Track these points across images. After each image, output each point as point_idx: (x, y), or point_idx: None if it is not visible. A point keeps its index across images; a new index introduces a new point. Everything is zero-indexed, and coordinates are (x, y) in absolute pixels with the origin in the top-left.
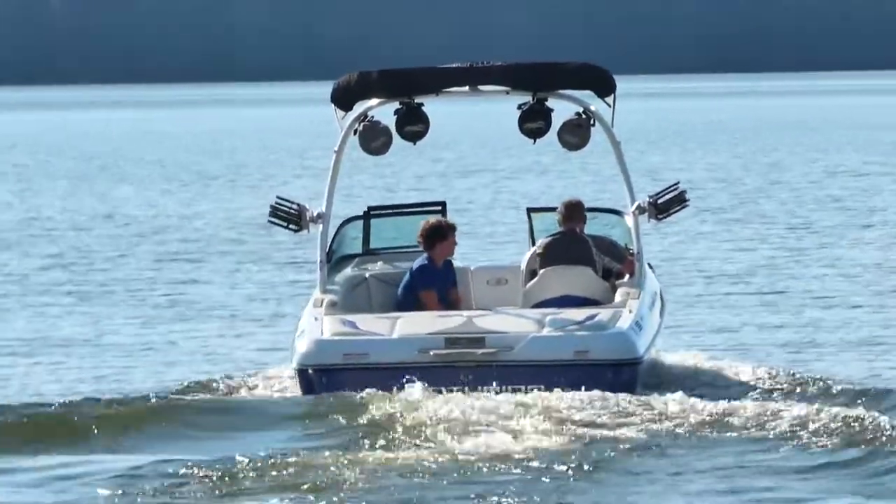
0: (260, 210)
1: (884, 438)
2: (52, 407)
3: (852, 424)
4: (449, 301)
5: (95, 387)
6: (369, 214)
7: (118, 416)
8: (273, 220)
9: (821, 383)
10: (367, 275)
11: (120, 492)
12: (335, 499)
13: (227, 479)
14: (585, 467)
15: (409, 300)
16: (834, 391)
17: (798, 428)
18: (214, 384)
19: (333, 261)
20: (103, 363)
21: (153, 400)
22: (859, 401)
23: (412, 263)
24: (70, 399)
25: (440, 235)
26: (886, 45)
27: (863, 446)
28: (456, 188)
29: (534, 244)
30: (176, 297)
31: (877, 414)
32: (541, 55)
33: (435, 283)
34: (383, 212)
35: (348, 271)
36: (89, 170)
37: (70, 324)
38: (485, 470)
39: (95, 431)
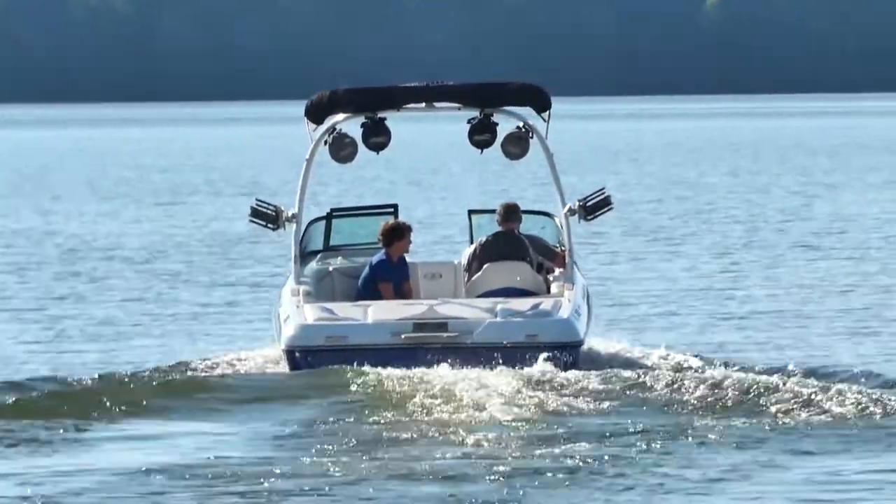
0: (197, 228)
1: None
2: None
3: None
4: (402, 292)
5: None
6: (331, 215)
7: (117, 393)
8: (254, 219)
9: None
10: (330, 268)
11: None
12: (329, 459)
13: (237, 445)
14: (555, 432)
15: (369, 290)
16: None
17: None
18: (206, 363)
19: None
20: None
21: (158, 376)
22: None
23: (369, 258)
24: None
25: (398, 235)
26: (803, 69)
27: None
28: (409, 192)
29: (472, 242)
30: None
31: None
32: (461, 73)
33: (392, 277)
34: (344, 213)
35: (314, 265)
36: (22, 186)
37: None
38: (456, 438)
39: (109, 405)
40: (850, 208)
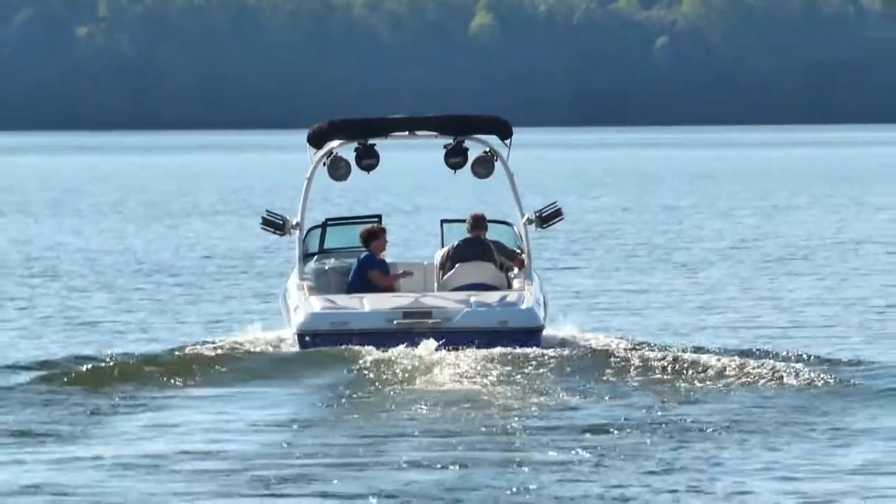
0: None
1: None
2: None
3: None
4: (387, 282)
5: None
6: (326, 224)
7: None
8: (265, 227)
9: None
10: (326, 267)
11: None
12: (331, 421)
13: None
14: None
15: (358, 283)
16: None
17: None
18: (224, 343)
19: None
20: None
21: (186, 354)
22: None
23: (356, 258)
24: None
25: (374, 236)
26: (740, 103)
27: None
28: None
29: (443, 246)
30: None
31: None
32: (436, 104)
33: (379, 267)
34: (336, 221)
35: (312, 264)
36: (48, 207)
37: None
38: (438, 407)
39: (137, 380)
40: (810, 228)
